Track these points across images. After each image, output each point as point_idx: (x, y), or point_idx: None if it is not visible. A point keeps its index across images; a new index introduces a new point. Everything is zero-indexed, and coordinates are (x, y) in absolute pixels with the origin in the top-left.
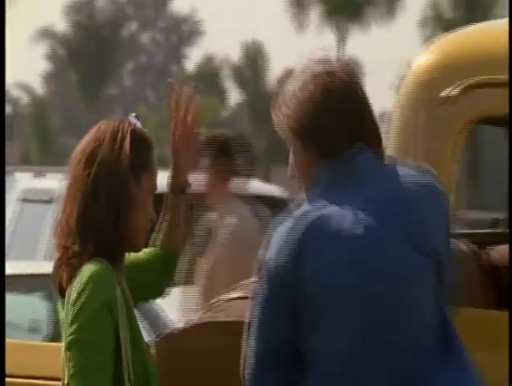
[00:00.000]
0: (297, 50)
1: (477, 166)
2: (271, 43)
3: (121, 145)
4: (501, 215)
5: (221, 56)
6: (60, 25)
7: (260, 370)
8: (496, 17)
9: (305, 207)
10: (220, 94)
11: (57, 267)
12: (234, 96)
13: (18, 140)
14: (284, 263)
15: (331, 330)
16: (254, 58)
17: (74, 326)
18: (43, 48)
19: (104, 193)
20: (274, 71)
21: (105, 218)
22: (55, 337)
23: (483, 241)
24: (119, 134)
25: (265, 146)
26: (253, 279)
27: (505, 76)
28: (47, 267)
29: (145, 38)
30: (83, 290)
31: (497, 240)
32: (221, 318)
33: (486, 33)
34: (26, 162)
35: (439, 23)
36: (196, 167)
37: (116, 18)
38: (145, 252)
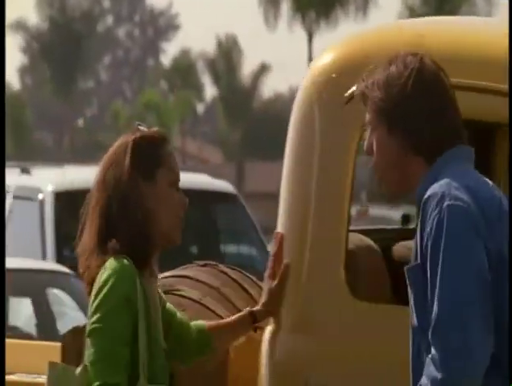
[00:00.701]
0: (270, 44)
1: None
2: (245, 37)
3: (124, 159)
4: (411, 211)
5: (197, 50)
6: (34, 18)
7: (472, 315)
8: (464, 14)
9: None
10: (196, 88)
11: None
12: (210, 89)
13: None
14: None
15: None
16: (229, 52)
17: (95, 317)
18: (16, 41)
19: (116, 206)
20: (247, 65)
21: (123, 227)
22: None
23: (393, 237)
24: (122, 148)
25: (238, 140)
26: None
27: None
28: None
29: (121, 32)
30: (104, 285)
31: (407, 236)
32: None
33: (387, 33)
34: None
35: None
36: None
37: (92, 12)
38: (191, 323)
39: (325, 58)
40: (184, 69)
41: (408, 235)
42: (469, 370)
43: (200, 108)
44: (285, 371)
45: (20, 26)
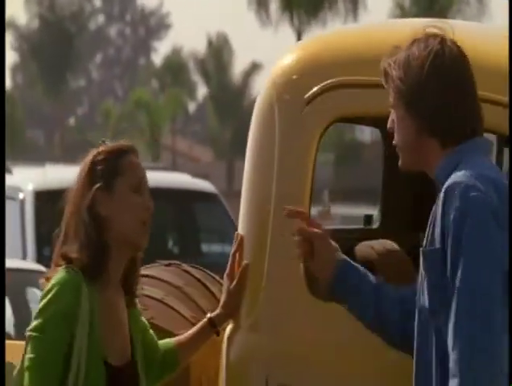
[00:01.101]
0: (261, 43)
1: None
2: (237, 36)
3: (81, 175)
4: (374, 211)
5: (189, 49)
6: (23, 17)
7: (494, 306)
8: (454, 13)
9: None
10: (188, 86)
11: None
12: (201, 88)
13: None
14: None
15: None
16: (219, 51)
17: (33, 324)
18: (6, 40)
19: (72, 218)
20: (238, 64)
21: (76, 237)
22: None
23: (355, 237)
24: (82, 166)
25: (229, 139)
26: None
27: (364, 77)
28: None
29: (112, 31)
30: (46, 295)
31: (369, 236)
32: None
33: (348, 35)
34: None
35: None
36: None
37: (83, 11)
38: (159, 342)
39: (286, 59)
40: (176, 68)
41: (370, 235)
42: (497, 365)
43: (192, 106)
44: (245, 370)
45: (10, 24)
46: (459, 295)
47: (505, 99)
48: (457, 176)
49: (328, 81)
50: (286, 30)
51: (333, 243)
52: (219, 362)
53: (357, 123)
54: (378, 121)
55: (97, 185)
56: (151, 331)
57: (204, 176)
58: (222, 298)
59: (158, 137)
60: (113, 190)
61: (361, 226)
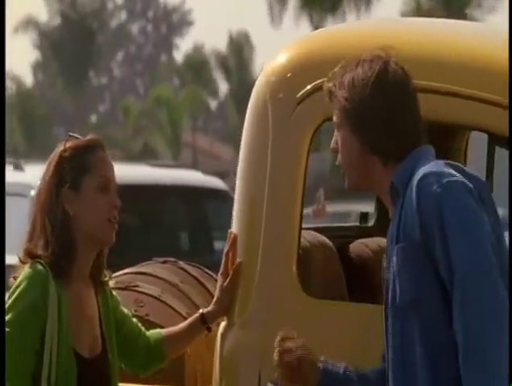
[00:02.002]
0: (281, 40)
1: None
2: (258, 33)
3: (48, 171)
4: (370, 208)
5: (210, 46)
6: (44, 14)
7: (496, 278)
8: (474, 7)
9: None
10: (209, 84)
11: None
12: (223, 86)
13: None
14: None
15: None
16: (241, 48)
17: (6, 319)
18: (27, 38)
19: (39, 215)
20: (259, 61)
21: (43, 234)
22: None
23: (351, 235)
24: (50, 161)
25: None
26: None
27: None
28: None
29: (134, 28)
30: (15, 290)
31: (365, 234)
32: None
33: (339, 35)
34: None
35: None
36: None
37: (105, 8)
38: (146, 332)
39: (279, 58)
40: (197, 65)
41: (366, 232)
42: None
43: (213, 104)
44: (238, 366)
45: (30, 22)
46: (463, 278)
47: (498, 98)
48: (426, 169)
49: (321, 80)
50: (305, 28)
51: (316, 357)
52: (213, 356)
53: None
54: None
55: (66, 185)
56: (133, 320)
57: (225, 173)
58: (215, 295)
59: (180, 134)
60: (81, 188)
61: (357, 223)
